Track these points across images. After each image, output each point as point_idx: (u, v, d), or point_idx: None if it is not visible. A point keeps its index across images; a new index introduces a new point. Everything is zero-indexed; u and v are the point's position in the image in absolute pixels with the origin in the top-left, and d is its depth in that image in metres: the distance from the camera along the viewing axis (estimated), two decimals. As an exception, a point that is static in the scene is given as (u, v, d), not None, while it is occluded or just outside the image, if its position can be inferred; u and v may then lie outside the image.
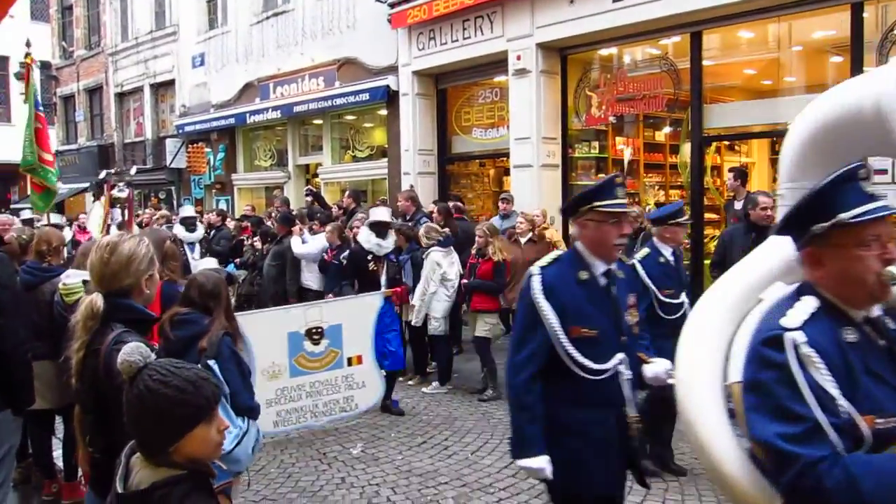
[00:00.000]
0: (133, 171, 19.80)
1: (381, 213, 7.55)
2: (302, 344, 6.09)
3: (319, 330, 6.14)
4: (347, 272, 7.62)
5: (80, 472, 4.71)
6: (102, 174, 21.12)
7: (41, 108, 9.10)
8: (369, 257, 7.32)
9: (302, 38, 14.60)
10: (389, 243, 7.44)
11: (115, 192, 10.50)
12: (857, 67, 7.99)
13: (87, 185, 21.79)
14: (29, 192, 9.45)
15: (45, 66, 24.50)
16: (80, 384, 2.41)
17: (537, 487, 5.14)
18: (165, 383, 1.78)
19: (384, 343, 6.76)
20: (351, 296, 6.98)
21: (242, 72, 16.17)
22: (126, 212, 11.01)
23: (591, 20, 9.80)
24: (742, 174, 8.41)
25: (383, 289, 7.10)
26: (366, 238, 7.37)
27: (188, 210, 11.60)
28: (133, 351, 1.82)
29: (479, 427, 6.54)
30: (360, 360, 6.40)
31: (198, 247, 10.49)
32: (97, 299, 2.43)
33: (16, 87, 24.45)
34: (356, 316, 6.46)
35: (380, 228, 7.36)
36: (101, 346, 2.32)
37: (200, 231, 10.91)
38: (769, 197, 6.33)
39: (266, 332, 5.85)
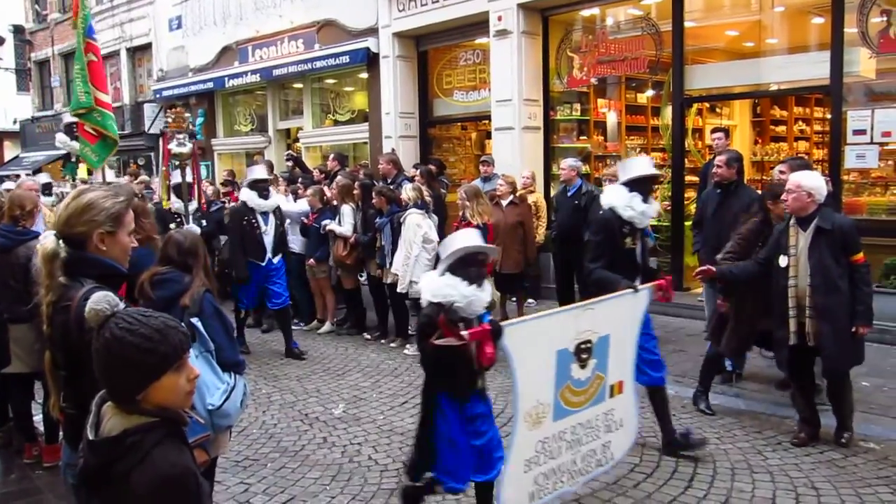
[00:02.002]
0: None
1: (643, 165, 5.12)
2: (569, 368, 3.97)
3: (588, 346, 4.03)
4: (600, 249, 4.91)
5: (61, 435, 4.72)
6: (80, 140, 20.81)
7: (94, 35, 7.41)
8: (625, 229, 4.83)
9: (280, -1, 14.36)
10: (654, 208, 5.02)
11: (173, 147, 7.87)
12: (838, 28, 7.99)
13: (64, 151, 21.47)
14: (78, 146, 7.50)
15: (18, 30, 24.07)
16: (51, 339, 2.39)
17: (517, 444, 5.20)
18: (132, 331, 1.76)
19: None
20: (621, 292, 4.44)
21: (220, 35, 15.90)
22: (191, 171, 8.26)
23: (573, -21, 9.71)
24: (728, 134, 8.45)
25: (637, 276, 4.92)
26: (625, 201, 4.81)
27: (259, 171, 8.46)
28: (101, 299, 1.80)
29: (460, 387, 6.58)
30: (621, 387, 4.38)
31: (272, 218, 8.07)
32: (48, 240, 2.39)
33: (-8, 52, 24.01)
34: (624, 321, 4.41)
35: (643, 187, 4.91)
36: (71, 302, 2.29)
37: (276, 198, 8.43)
38: (723, 155, 6.41)
39: (532, 355, 3.76)
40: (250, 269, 7.89)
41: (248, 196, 8.02)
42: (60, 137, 17.17)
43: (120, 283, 2.50)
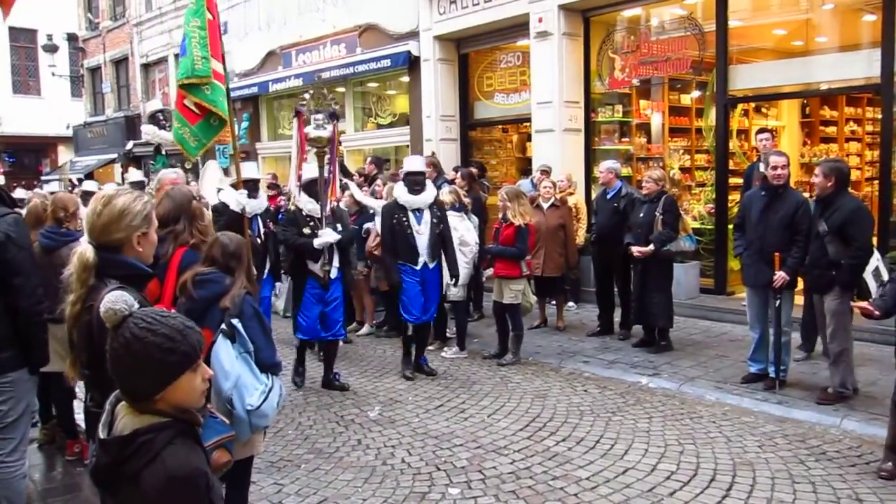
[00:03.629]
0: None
1: None
2: None
3: None
4: None
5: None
6: (129, 145, 21.28)
7: None
8: None
9: (323, 3, 14.49)
10: None
11: (311, 131, 6.42)
12: (889, 25, 7.76)
13: (114, 155, 22.01)
14: (173, 128, 5.89)
15: (71, 38, 24.73)
16: (77, 339, 2.42)
17: (552, 450, 5.15)
18: (153, 331, 1.77)
19: None
20: None
21: (265, 39, 16.11)
22: (328, 161, 6.72)
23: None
24: (774, 135, 8.27)
25: None
26: None
27: (414, 163, 7.23)
28: (117, 299, 1.81)
29: (496, 391, 6.54)
30: None
31: (427, 215, 6.88)
32: (87, 251, 2.42)
33: (44, 60, 24.68)
34: None
35: None
36: (95, 303, 2.32)
37: (430, 193, 7.00)
38: (781, 156, 6.19)
39: None
40: (404, 274, 6.89)
41: (398, 191, 6.99)
42: (147, 129, 17.16)
43: (145, 283, 2.52)
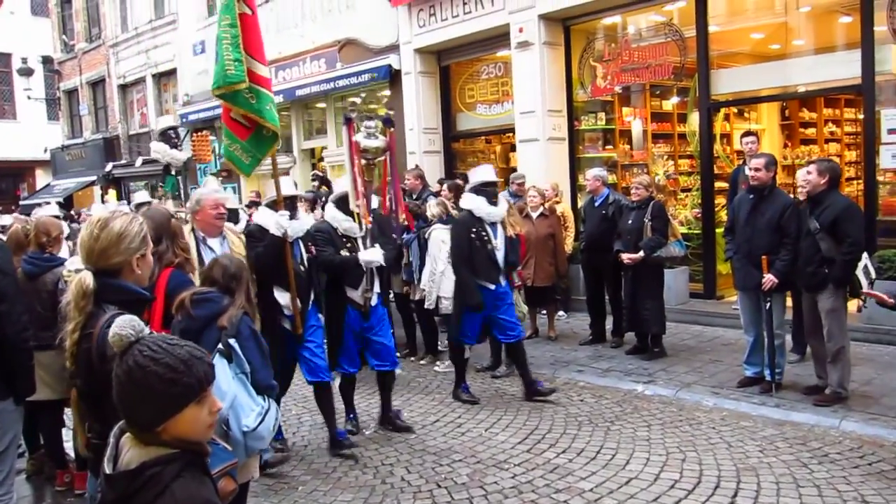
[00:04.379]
0: (139, 162, 19.74)
1: None
2: None
3: None
4: None
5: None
6: (109, 167, 21.10)
7: None
8: None
9: (301, 19, 14.46)
10: None
11: (361, 140, 5.94)
12: (867, 26, 7.82)
13: (94, 178, 21.81)
14: (222, 146, 5.28)
15: (46, 60, 24.52)
16: (76, 368, 2.34)
17: (553, 462, 5.08)
18: (156, 360, 1.69)
19: None
20: None
21: (244, 57, 16.02)
22: (385, 172, 6.15)
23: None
24: (758, 138, 8.34)
25: None
26: None
27: (485, 172, 6.64)
28: (126, 324, 1.73)
29: (492, 404, 6.47)
30: None
31: (500, 230, 6.49)
32: (86, 277, 2.34)
33: (19, 84, 24.46)
34: None
35: None
36: (94, 330, 2.24)
37: (504, 205, 6.60)
38: (759, 158, 6.23)
39: None
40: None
41: (474, 203, 6.38)
42: (157, 147, 16.71)
43: (143, 308, 2.45)
